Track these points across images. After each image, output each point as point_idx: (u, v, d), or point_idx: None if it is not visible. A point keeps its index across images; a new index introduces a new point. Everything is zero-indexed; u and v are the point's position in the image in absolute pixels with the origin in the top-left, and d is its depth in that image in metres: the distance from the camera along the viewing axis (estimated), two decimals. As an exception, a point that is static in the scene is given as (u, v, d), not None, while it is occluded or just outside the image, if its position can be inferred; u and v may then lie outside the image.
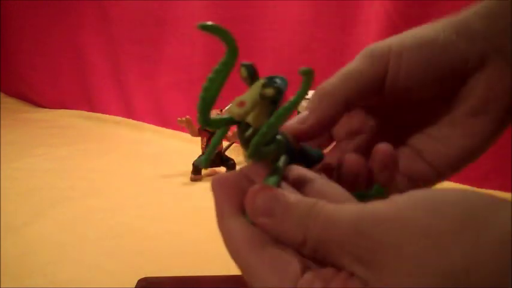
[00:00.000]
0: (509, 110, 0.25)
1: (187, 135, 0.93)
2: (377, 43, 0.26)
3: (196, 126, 0.88)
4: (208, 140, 0.87)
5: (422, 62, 0.25)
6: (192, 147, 1.00)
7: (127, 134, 1.29)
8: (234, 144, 1.01)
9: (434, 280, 0.14)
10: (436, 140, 0.26)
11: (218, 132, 0.25)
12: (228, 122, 0.22)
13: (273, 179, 0.21)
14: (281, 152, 0.22)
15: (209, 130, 0.87)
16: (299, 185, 0.21)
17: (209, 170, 0.91)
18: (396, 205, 0.16)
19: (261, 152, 0.21)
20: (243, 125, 0.22)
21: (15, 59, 1.70)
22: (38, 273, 0.52)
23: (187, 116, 0.87)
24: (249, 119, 0.21)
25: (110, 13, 1.41)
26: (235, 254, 0.19)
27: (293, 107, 0.20)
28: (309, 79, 0.20)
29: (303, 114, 0.25)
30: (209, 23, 0.19)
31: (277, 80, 0.21)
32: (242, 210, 0.19)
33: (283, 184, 0.21)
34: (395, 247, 0.15)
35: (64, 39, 1.56)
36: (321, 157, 0.26)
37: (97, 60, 1.49)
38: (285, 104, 0.20)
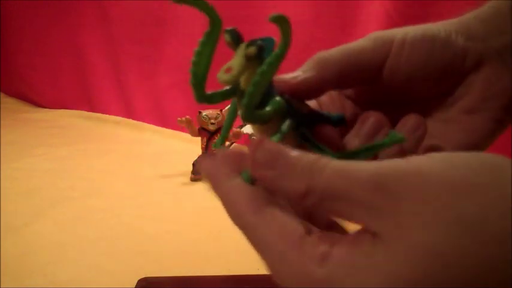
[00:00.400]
0: (507, 110, 0.25)
1: (187, 135, 0.93)
2: (382, 31, 0.26)
3: (197, 126, 0.88)
4: (209, 140, 0.87)
5: (423, 54, 0.25)
6: (192, 147, 1.00)
7: (127, 134, 1.29)
8: (234, 145, 1.01)
9: (452, 228, 0.14)
10: (431, 136, 0.26)
11: (229, 113, 0.24)
12: (224, 94, 0.22)
13: (273, 139, 0.21)
14: (281, 114, 0.21)
15: (209, 130, 0.87)
16: None
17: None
18: (417, 162, 0.16)
19: (255, 115, 0.21)
20: (239, 94, 0.21)
21: (15, 59, 1.70)
22: (38, 273, 0.52)
23: (187, 116, 0.87)
24: (242, 84, 0.21)
25: (110, 13, 1.41)
26: (236, 216, 0.19)
27: (277, 61, 0.20)
28: (284, 27, 0.20)
29: (295, 71, 0.25)
30: (278, 14, 0.19)
31: (257, 40, 0.21)
32: (239, 173, 0.19)
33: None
34: (415, 199, 0.15)
35: (64, 39, 1.56)
36: (341, 120, 0.25)
37: (97, 60, 1.48)
38: (268, 59, 0.20)
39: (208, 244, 0.60)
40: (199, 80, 0.20)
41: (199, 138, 0.89)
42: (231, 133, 0.88)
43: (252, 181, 0.19)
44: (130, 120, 1.37)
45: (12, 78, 1.73)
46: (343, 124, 0.25)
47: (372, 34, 0.26)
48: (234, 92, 0.22)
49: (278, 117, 0.21)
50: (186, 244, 0.60)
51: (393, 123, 0.27)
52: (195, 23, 1.22)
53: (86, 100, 1.54)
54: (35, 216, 0.69)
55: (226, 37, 0.21)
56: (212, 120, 0.86)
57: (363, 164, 0.16)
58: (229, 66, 0.20)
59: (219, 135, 0.88)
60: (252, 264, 0.54)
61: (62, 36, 1.56)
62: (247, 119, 0.21)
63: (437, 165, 0.16)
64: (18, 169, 0.93)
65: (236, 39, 0.21)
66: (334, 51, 0.25)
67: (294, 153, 0.18)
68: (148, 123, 1.34)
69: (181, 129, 1.17)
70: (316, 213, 0.21)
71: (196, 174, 0.87)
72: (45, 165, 0.96)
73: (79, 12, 1.50)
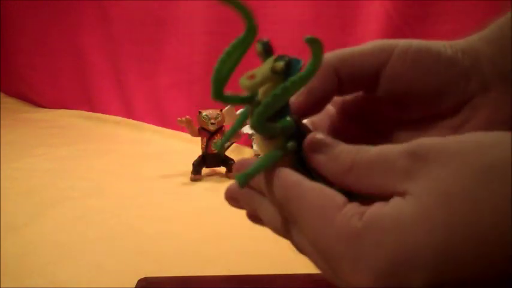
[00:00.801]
0: None
1: (187, 135, 0.93)
2: (382, 39, 0.25)
3: (197, 126, 0.88)
4: (209, 140, 0.87)
5: (427, 67, 0.24)
6: (192, 147, 1.00)
7: (127, 134, 1.29)
8: (234, 145, 1.01)
9: (480, 175, 0.15)
10: None
11: (239, 118, 0.24)
12: (242, 99, 0.22)
13: (276, 152, 0.21)
14: (288, 134, 0.22)
15: (209, 130, 0.87)
16: None
17: (209, 170, 0.91)
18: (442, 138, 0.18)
19: (264, 126, 0.21)
20: (255, 103, 0.22)
21: (15, 59, 1.70)
22: (38, 273, 0.52)
23: (187, 116, 0.87)
24: (260, 95, 0.21)
25: (109, 13, 1.41)
26: (284, 187, 0.20)
27: (301, 82, 0.20)
28: (317, 50, 0.20)
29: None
30: (314, 37, 0.19)
31: (286, 56, 0.21)
32: None
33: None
34: (442, 157, 0.17)
35: (64, 39, 1.56)
36: None
37: (97, 60, 1.49)
38: (293, 77, 0.20)
39: (208, 244, 0.60)
40: (221, 79, 0.20)
41: (199, 138, 0.89)
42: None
43: (246, 183, 0.21)
44: (131, 120, 1.37)
45: (12, 78, 1.73)
46: None
47: (372, 41, 0.25)
48: (251, 100, 0.22)
49: (283, 136, 0.22)
50: (186, 244, 0.60)
51: (387, 141, 0.27)
52: (195, 23, 1.22)
53: (86, 100, 1.54)
54: (35, 216, 0.69)
55: (258, 47, 0.22)
56: (212, 120, 0.86)
57: (398, 144, 0.18)
58: (254, 73, 0.21)
59: (219, 135, 0.88)
60: (252, 264, 0.54)
61: (62, 36, 1.56)
62: (256, 127, 0.21)
63: (463, 136, 0.17)
64: (18, 169, 0.93)
65: (267, 50, 0.22)
66: (331, 56, 0.25)
67: (341, 144, 0.21)
68: (148, 123, 1.34)
69: (181, 129, 1.17)
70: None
71: (196, 174, 0.88)
72: (45, 165, 0.96)
73: (79, 12, 1.50)
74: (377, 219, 0.17)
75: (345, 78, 0.24)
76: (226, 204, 0.25)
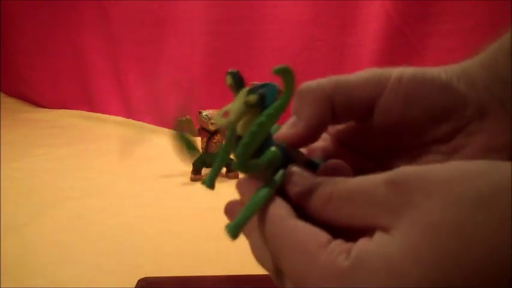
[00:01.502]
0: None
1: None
2: (378, 68, 0.25)
3: (197, 126, 0.88)
4: (209, 140, 0.87)
5: (421, 94, 0.23)
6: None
7: (127, 134, 1.29)
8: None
9: (464, 206, 0.15)
10: None
11: (221, 153, 0.23)
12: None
13: (264, 191, 0.20)
14: (276, 165, 0.21)
15: (209, 130, 0.87)
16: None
17: (209, 170, 0.91)
18: (426, 166, 0.17)
19: (249, 166, 0.20)
20: (234, 139, 0.21)
21: (15, 59, 1.70)
22: (38, 273, 0.52)
23: (187, 116, 0.87)
24: (239, 129, 0.21)
25: (109, 13, 1.41)
26: (270, 223, 0.20)
27: (277, 114, 0.19)
28: (288, 79, 0.19)
29: (291, 119, 0.23)
30: (282, 66, 0.19)
31: (263, 87, 0.20)
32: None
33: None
34: (425, 188, 0.16)
35: (64, 39, 1.56)
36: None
37: (97, 60, 1.49)
38: (267, 110, 0.19)
39: (208, 244, 0.60)
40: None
41: (199, 138, 0.89)
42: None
43: (237, 235, 0.20)
44: (131, 120, 1.37)
45: (12, 78, 1.73)
46: None
47: (367, 69, 0.25)
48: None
49: (270, 169, 0.21)
50: (186, 244, 0.60)
51: (381, 167, 0.26)
52: (195, 23, 1.22)
53: (86, 100, 1.54)
54: (35, 216, 0.69)
55: (227, 79, 0.21)
56: (212, 120, 0.86)
57: (377, 174, 0.18)
58: (228, 110, 0.20)
59: (219, 135, 0.88)
60: (252, 264, 0.54)
61: (62, 36, 1.56)
62: (239, 169, 0.20)
63: (446, 165, 0.17)
64: (18, 169, 0.93)
65: (238, 82, 0.21)
66: (325, 83, 0.24)
67: (318, 178, 0.20)
68: (148, 123, 1.34)
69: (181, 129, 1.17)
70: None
71: (196, 174, 0.87)
72: (45, 165, 0.96)
73: (79, 12, 1.50)
74: (365, 258, 0.16)
75: (338, 107, 0.23)
76: (225, 204, 0.25)
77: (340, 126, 0.27)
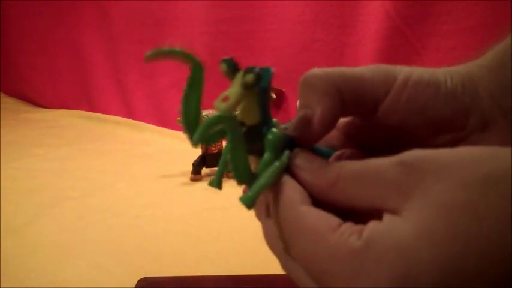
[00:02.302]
0: None
1: (187, 135, 0.93)
2: (384, 64, 0.24)
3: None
4: (208, 140, 0.87)
5: (425, 99, 0.23)
6: (192, 147, 1.00)
7: (127, 134, 1.29)
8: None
9: (477, 187, 0.15)
10: None
11: (224, 153, 0.23)
12: (221, 132, 0.21)
13: (274, 166, 0.21)
14: (278, 145, 0.21)
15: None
16: None
17: (209, 170, 0.91)
18: (437, 150, 0.17)
19: (246, 176, 0.21)
20: (236, 124, 0.21)
21: (15, 59, 1.70)
22: (38, 273, 0.52)
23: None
24: (241, 117, 0.21)
25: (109, 13, 1.41)
26: (285, 206, 0.20)
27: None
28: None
29: (301, 113, 0.22)
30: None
31: (255, 68, 0.20)
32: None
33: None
34: (437, 169, 0.16)
35: (64, 39, 1.56)
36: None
37: (97, 60, 1.49)
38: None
39: (208, 244, 0.60)
40: (191, 126, 0.20)
41: (199, 138, 0.89)
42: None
43: (252, 205, 0.20)
44: (131, 120, 1.37)
45: (12, 78, 1.73)
46: None
47: (374, 65, 0.24)
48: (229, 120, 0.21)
49: (274, 148, 0.21)
50: (186, 244, 0.60)
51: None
52: (195, 23, 1.22)
53: (86, 100, 1.54)
54: (35, 216, 0.69)
55: (222, 67, 0.21)
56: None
57: (387, 156, 0.18)
58: (227, 95, 0.20)
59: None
60: (252, 264, 0.54)
61: (62, 36, 1.56)
62: (241, 183, 0.21)
63: (457, 148, 0.17)
64: (18, 169, 0.93)
65: (233, 68, 0.21)
66: (335, 74, 0.23)
67: (324, 159, 0.21)
68: (148, 123, 1.34)
69: (181, 129, 1.17)
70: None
71: (196, 174, 0.87)
72: (45, 165, 0.96)
73: (79, 12, 1.50)
74: (377, 238, 0.16)
75: (346, 101, 0.23)
76: (226, 204, 0.25)
77: (344, 120, 0.26)
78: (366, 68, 0.24)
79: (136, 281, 0.48)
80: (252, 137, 0.21)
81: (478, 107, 0.23)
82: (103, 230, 0.64)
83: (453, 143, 0.23)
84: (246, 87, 0.20)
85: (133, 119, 1.38)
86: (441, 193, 0.16)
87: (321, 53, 1.02)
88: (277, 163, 0.21)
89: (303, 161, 0.21)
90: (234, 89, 0.20)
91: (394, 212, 0.17)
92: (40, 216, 0.69)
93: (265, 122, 0.21)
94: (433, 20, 0.84)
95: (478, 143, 0.23)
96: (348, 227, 0.17)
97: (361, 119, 0.25)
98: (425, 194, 0.16)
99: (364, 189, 0.18)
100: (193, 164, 0.87)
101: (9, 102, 1.72)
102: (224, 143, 0.22)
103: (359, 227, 0.17)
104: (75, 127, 1.38)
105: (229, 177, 0.22)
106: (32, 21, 1.61)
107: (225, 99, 0.20)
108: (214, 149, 0.87)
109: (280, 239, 0.20)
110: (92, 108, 1.51)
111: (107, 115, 1.44)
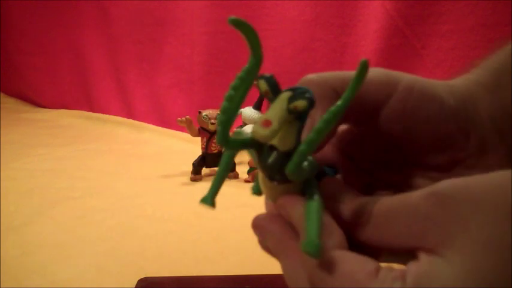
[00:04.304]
0: None
1: (187, 135, 0.93)
2: (384, 69, 0.23)
3: (196, 126, 0.88)
4: (209, 140, 0.87)
5: (427, 117, 0.22)
6: (192, 147, 1.00)
7: (127, 134, 1.29)
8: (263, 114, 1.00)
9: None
10: None
11: (221, 166, 0.21)
12: (246, 145, 0.19)
13: (315, 204, 0.18)
14: (313, 174, 0.19)
15: (209, 130, 0.87)
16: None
17: (209, 170, 0.91)
18: (464, 178, 0.16)
19: (301, 170, 0.18)
20: (264, 148, 0.19)
21: (15, 59, 1.70)
22: (38, 273, 0.52)
23: (187, 116, 0.87)
24: (274, 140, 0.19)
25: (110, 13, 1.41)
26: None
27: (334, 119, 0.17)
28: (361, 72, 0.17)
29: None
30: (239, 19, 0.17)
31: (305, 91, 0.18)
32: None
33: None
34: (471, 201, 0.15)
35: (64, 39, 1.56)
36: (335, 174, 0.23)
37: (97, 60, 1.49)
38: (325, 115, 0.17)
39: (208, 244, 0.60)
40: (228, 120, 0.18)
41: (199, 138, 0.89)
42: (231, 133, 0.88)
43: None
44: (131, 120, 1.37)
45: (12, 78, 1.74)
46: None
47: (373, 69, 0.22)
48: (254, 144, 0.19)
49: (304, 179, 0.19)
50: (186, 244, 0.60)
51: (369, 177, 0.24)
52: (195, 23, 1.22)
53: (86, 100, 1.54)
54: (35, 216, 0.69)
55: (261, 85, 0.19)
56: (212, 120, 0.86)
57: (417, 190, 0.17)
58: (267, 118, 0.18)
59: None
60: (252, 264, 0.54)
61: (62, 36, 1.56)
62: (294, 173, 0.18)
63: (490, 175, 0.15)
64: (18, 169, 0.93)
65: (274, 87, 0.19)
66: (332, 78, 0.21)
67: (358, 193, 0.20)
68: (148, 123, 1.34)
69: (181, 129, 1.17)
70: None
71: (196, 174, 0.87)
72: (45, 165, 0.96)
73: (79, 12, 1.50)
74: (425, 282, 0.15)
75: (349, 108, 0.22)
76: (226, 204, 0.25)
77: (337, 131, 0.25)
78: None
79: (136, 281, 0.48)
80: (282, 164, 0.19)
81: (479, 129, 0.23)
82: (103, 230, 0.64)
83: (450, 164, 0.23)
84: (295, 113, 0.18)
85: (133, 119, 1.38)
86: (483, 226, 0.14)
87: (321, 53, 1.02)
88: (316, 202, 0.18)
89: (334, 191, 0.20)
90: (276, 113, 0.18)
91: (433, 251, 0.15)
92: (40, 216, 0.69)
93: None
94: (433, 20, 0.84)
95: (475, 167, 0.22)
96: (387, 271, 0.16)
97: (360, 126, 0.24)
98: (466, 229, 0.15)
99: (399, 225, 0.17)
100: (193, 164, 0.87)
101: (9, 102, 1.72)
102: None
103: (398, 271, 0.16)
104: (75, 127, 1.38)
105: (229, 177, 0.22)
106: (32, 21, 1.61)
107: (266, 123, 0.17)
108: (214, 149, 0.87)
109: (308, 282, 0.19)
110: (92, 108, 1.52)
111: (107, 115, 1.44)
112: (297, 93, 0.18)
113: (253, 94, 0.99)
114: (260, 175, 0.21)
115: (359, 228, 0.18)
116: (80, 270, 0.53)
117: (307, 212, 0.18)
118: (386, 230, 0.17)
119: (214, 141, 0.87)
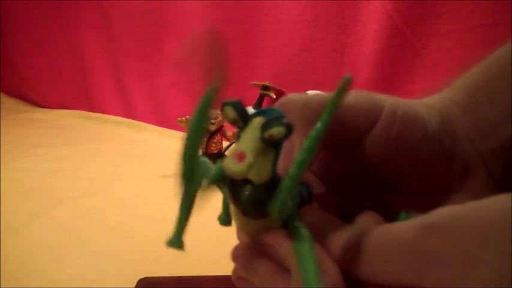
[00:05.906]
0: None
1: (187, 135, 0.93)
2: (366, 91, 0.22)
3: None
4: (208, 140, 0.87)
5: (413, 141, 0.21)
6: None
7: (127, 134, 1.29)
8: (234, 144, 1.00)
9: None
10: None
11: (182, 206, 0.19)
12: (216, 181, 0.18)
13: (306, 246, 0.17)
14: (295, 206, 0.18)
15: (209, 130, 0.87)
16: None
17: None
18: (451, 207, 0.15)
19: (286, 207, 0.17)
20: (236, 181, 0.17)
21: (15, 59, 1.70)
22: (38, 273, 0.52)
23: (187, 116, 0.87)
24: (250, 173, 0.16)
25: (109, 13, 1.41)
26: None
27: (316, 145, 0.15)
28: (342, 90, 0.15)
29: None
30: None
31: (280, 116, 0.16)
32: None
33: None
34: (467, 228, 0.14)
35: (64, 39, 1.56)
36: (311, 196, 0.21)
37: (97, 60, 1.49)
38: (305, 143, 0.15)
39: (208, 244, 0.60)
40: (189, 168, 0.16)
41: (199, 138, 0.89)
42: (231, 133, 0.88)
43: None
44: (130, 120, 1.37)
45: (12, 78, 1.73)
46: (310, 202, 0.20)
47: (355, 92, 0.22)
48: (225, 179, 0.17)
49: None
50: (186, 244, 0.60)
51: (348, 203, 0.24)
52: (195, 23, 1.22)
53: (86, 100, 1.54)
54: (35, 216, 0.69)
55: (228, 112, 0.16)
56: (212, 120, 0.86)
57: (410, 221, 0.16)
58: (240, 150, 0.15)
59: (219, 134, 0.88)
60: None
61: (61, 36, 1.56)
62: (280, 211, 0.16)
63: (486, 201, 0.15)
64: (18, 169, 0.92)
65: (243, 114, 0.16)
66: (315, 102, 0.20)
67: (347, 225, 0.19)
68: (148, 123, 1.34)
69: (181, 129, 1.17)
70: None
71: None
72: (45, 165, 0.96)
73: (79, 11, 1.50)
74: None
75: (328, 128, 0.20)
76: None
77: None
78: (350, 95, 0.21)
79: (136, 281, 0.48)
80: (258, 198, 0.17)
81: (460, 153, 0.22)
82: (103, 230, 0.64)
83: (434, 190, 0.22)
84: (271, 141, 0.15)
85: (133, 119, 1.38)
86: (493, 265, 0.13)
87: (321, 53, 1.01)
88: (306, 242, 0.17)
89: (320, 227, 0.18)
90: (250, 143, 0.15)
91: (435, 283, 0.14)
92: (40, 216, 0.69)
93: (273, 179, 0.17)
94: (433, 20, 0.84)
95: (457, 191, 0.22)
96: None
97: (341, 155, 0.23)
98: (475, 267, 0.14)
99: (392, 263, 0.15)
100: (193, 164, 0.87)
101: (9, 102, 1.72)
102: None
103: None
104: (75, 127, 1.38)
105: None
106: (32, 21, 1.61)
107: (239, 156, 0.15)
108: (214, 149, 0.87)
109: None
110: (92, 108, 1.51)
111: (107, 115, 1.44)
112: (271, 119, 0.15)
113: (253, 94, 0.99)
114: (233, 208, 0.19)
115: (352, 265, 0.17)
116: (80, 270, 0.53)
117: (299, 251, 0.17)
118: (381, 267, 0.16)
119: (214, 141, 0.87)
